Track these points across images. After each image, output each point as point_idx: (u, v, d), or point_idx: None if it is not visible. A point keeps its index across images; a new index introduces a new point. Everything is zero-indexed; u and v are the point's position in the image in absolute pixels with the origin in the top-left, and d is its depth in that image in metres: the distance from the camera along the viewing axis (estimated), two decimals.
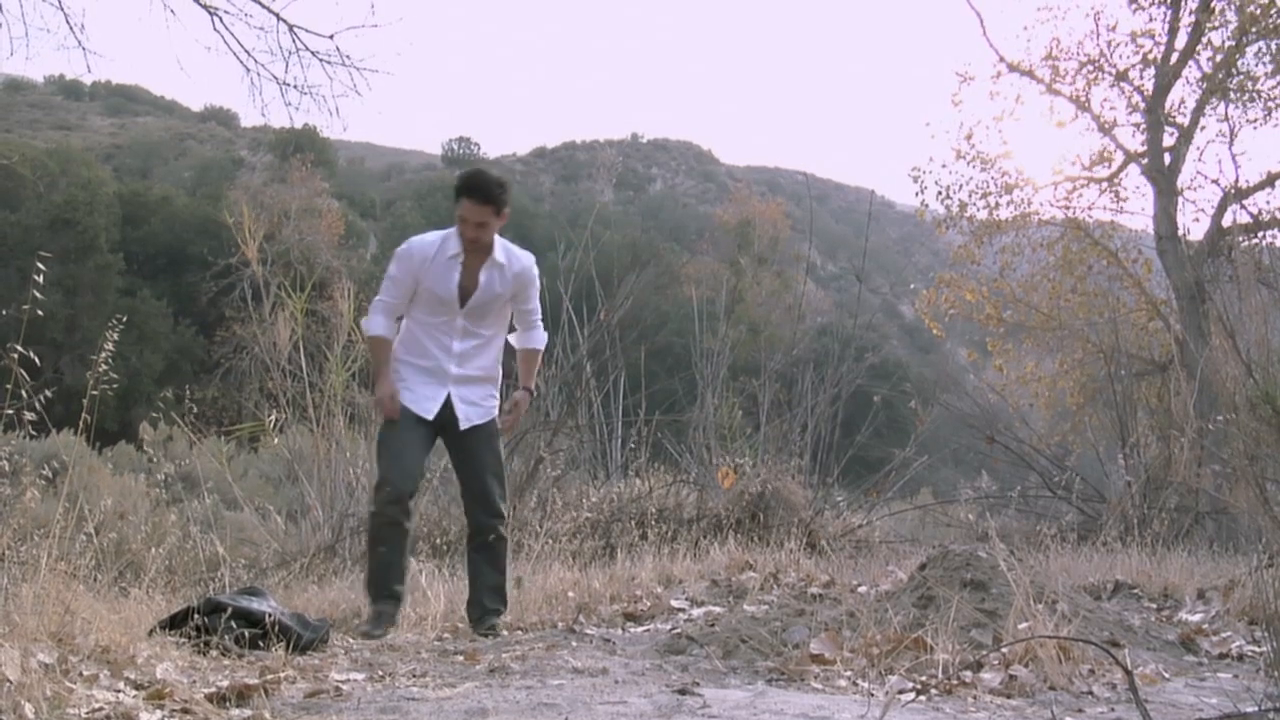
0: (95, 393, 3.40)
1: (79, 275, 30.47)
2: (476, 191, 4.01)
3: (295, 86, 9.01)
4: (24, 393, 3.33)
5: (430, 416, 4.11)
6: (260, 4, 8.67)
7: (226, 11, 8.68)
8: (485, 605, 4.16)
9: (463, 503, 4.31)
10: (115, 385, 3.57)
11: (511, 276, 4.19)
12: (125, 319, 4.01)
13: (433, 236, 4.17)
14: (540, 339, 4.45)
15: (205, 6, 8.63)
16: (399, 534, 4.09)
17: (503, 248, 4.17)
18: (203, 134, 67.47)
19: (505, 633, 4.09)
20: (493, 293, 4.17)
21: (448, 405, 4.14)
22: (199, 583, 5.03)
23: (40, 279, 3.38)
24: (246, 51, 8.88)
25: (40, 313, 3.22)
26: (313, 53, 8.92)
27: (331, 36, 8.91)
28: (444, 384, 4.15)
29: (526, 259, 4.27)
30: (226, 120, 69.87)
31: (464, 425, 4.15)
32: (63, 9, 8.34)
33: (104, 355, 3.45)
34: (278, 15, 8.74)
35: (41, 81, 69.05)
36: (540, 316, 4.41)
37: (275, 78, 8.96)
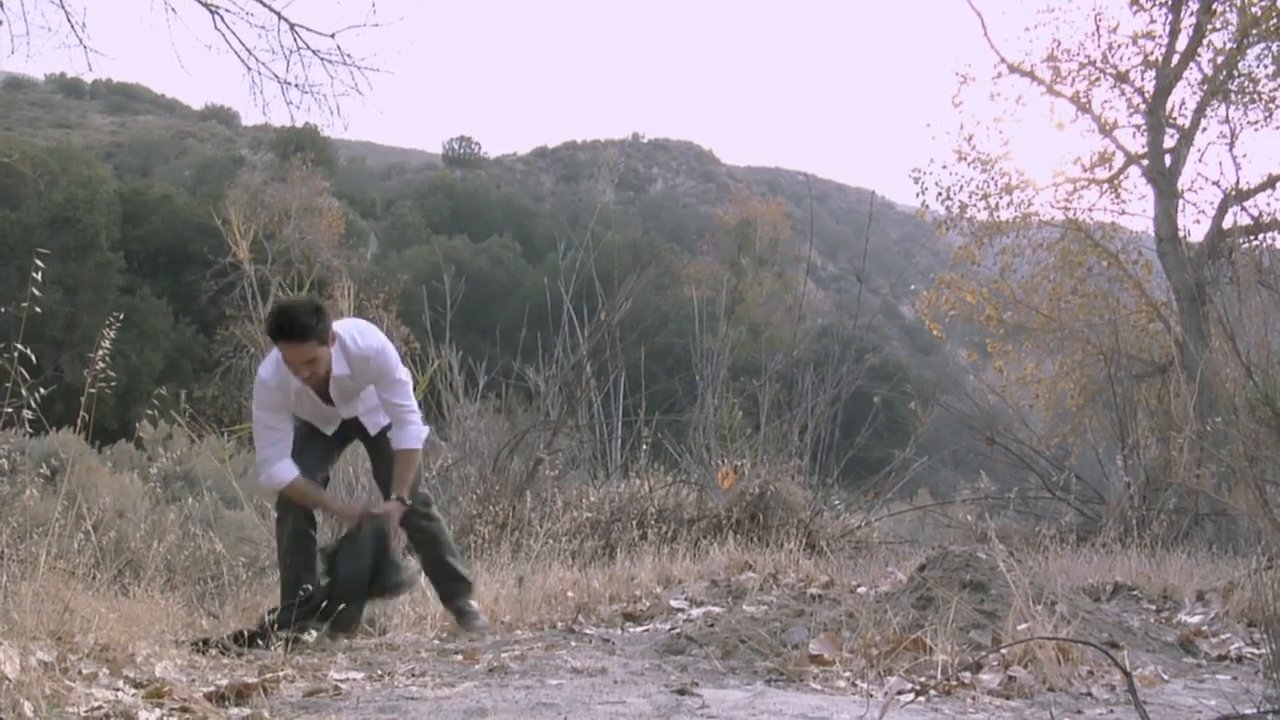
0: (93, 391, 3.39)
1: (79, 273, 30.48)
2: (292, 334, 3.66)
3: (296, 85, 9.04)
4: (22, 391, 3.32)
5: (330, 433, 4.09)
6: (261, 2, 8.69)
7: (228, 10, 8.70)
8: (444, 587, 4.19)
9: (383, 492, 4.16)
10: (114, 384, 3.56)
11: (360, 376, 3.90)
12: (123, 317, 3.99)
13: (272, 369, 3.81)
14: (412, 437, 3.97)
15: (206, 5, 8.64)
16: (309, 544, 4.02)
17: (339, 357, 3.81)
18: (203, 132, 67.47)
19: (481, 615, 4.14)
20: (353, 392, 3.97)
21: (349, 422, 4.09)
22: (198, 581, 5.03)
23: (39, 276, 3.37)
24: (248, 50, 8.90)
25: (39, 310, 3.22)
26: (314, 51, 8.94)
27: (333, 35, 8.93)
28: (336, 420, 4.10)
29: (366, 350, 3.84)
30: (227, 119, 69.89)
31: (374, 431, 4.09)
32: (64, 7, 8.35)
33: (101, 353, 3.44)
34: (279, 14, 8.76)
35: (42, 79, 69.16)
36: (413, 410, 3.98)
37: (276, 76, 8.98)
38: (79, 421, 3.36)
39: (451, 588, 4.19)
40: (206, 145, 62.99)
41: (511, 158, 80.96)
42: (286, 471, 3.81)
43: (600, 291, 8.17)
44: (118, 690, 2.49)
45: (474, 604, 4.20)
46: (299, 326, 3.63)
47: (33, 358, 3.29)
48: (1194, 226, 12.98)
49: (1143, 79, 13.38)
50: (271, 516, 6.77)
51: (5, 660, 2.26)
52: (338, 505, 4.10)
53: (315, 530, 4.07)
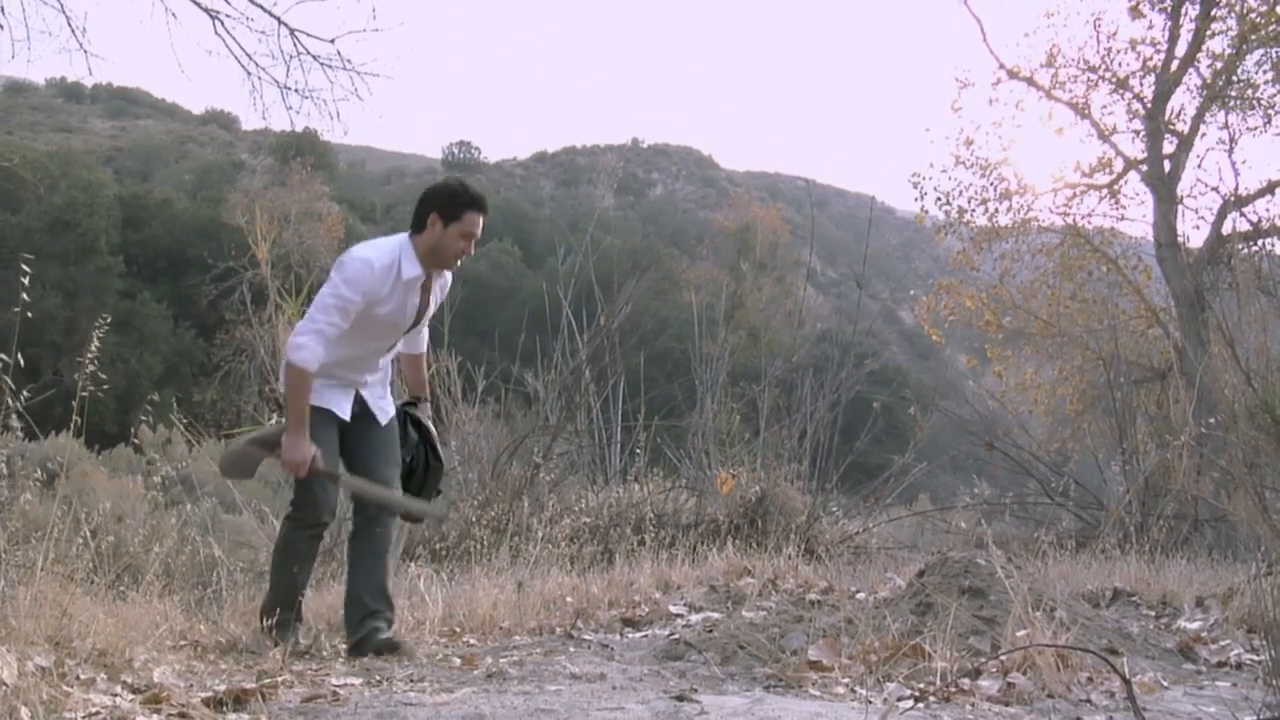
0: (85, 394, 3.37)
1: (79, 278, 30.51)
2: (483, 204, 3.65)
3: (296, 90, 9.07)
4: (9, 398, 3.31)
5: (347, 418, 3.75)
6: (262, 8, 8.71)
7: (228, 15, 8.74)
8: (368, 605, 3.67)
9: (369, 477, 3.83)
10: (106, 386, 3.53)
11: (447, 286, 3.90)
12: (112, 320, 3.96)
13: (386, 256, 3.59)
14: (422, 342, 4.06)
15: (207, 10, 8.67)
16: (314, 551, 3.87)
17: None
18: (203, 137, 67.56)
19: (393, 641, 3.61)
20: (436, 307, 3.89)
21: (359, 402, 3.80)
22: (196, 586, 5.03)
23: (26, 281, 3.35)
24: (248, 55, 8.94)
25: (30, 315, 3.20)
26: (314, 57, 8.97)
27: (333, 41, 8.97)
28: (352, 389, 3.80)
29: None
30: (227, 123, 69.97)
31: (384, 420, 3.83)
32: (64, 12, 8.39)
33: (91, 355, 3.41)
34: (279, 19, 8.79)
35: (43, 84, 69.22)
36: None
37: (276, 81, 9.01)
38: (72, 425, 3.33)
39: (375, 605, 3.69)
40: (207, 150, 63.06)
41: (511, 162, 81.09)
42: (317, 361, 3.51)
43: (599, 296, 8.17)
44: (115, 695, 2.49)
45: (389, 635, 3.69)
46: (485, 199, 3.64)
47: (21, 363, 3.26)
48: (1193, 232, 13.03)
49: (1142, 84, 13.41)
50: (270, 520, 6.78)
51: (3, 665, 2.26)
52: (306, 440, 3.54)
53: (319, 543, 3.91)
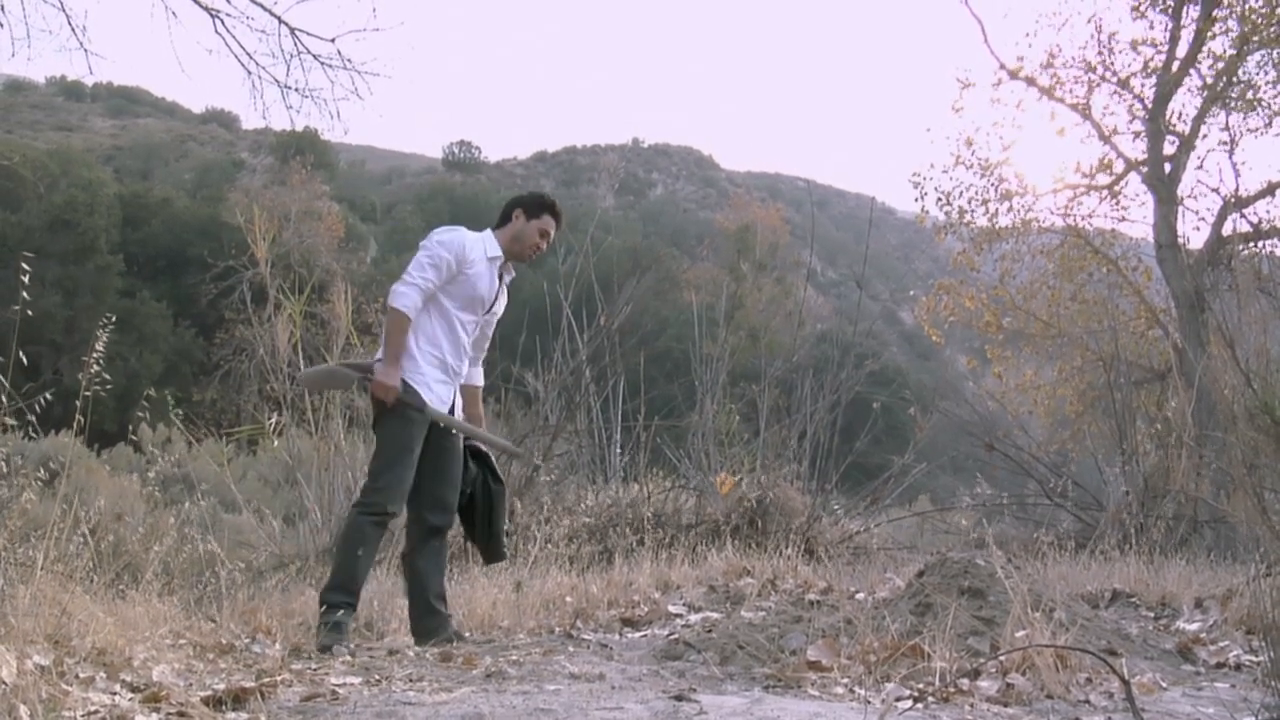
0: (88, 394, 3.37)
1: (79, 276, 30.49)
2: (561, 212, 4.29)
3: (296, 89, 9.08)
4: (4, 397, 3.30)
5: (445, 408, 4.11)
6: (262, 7, 8.72)
7: (228, 14, 8.74)
8: (440, 611, 4.04)
9: (419, 501, 4.08)
10: (109, 386, 3.53)
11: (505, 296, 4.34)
12: (115, 319, 3.97)
13: (474, 234, 4.17)
14: (480, 375, 4.48)
15: (207, 9, 8.67)
16: (379, 539, 4.04)
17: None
18: (204, 136, 67.56)
19: (467, 634, 4.05)
20: (503, 305, 4.31)
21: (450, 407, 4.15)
22: (196, 585, 5.03)
23: (26, 279, 3.34)
24: (248, 54, 8.94)
25: (30, 313, 3.19)
26: (314, 56, 8.98)
27: (333, 40, 8.98)
28: (453, 384, 4.15)
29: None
30: (227, 122, 69.97)
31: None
32: (65, 10, 8.39)
33: (96, 355, 3.42)
34: (279, 18, 8.79)
35: (43, 83, 69.21)
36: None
37: (277, 80, 9.02)
38: (74, 424, 3.33)
39: (447, 610, 4.12)
40: (207, 149, 63.06)
41: (511, 162, 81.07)
42: (416, 309, 3.97)
43: (600, 296, 8.17)
44: (115, 694, 2.49)
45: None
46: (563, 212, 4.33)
47: (24, 360, 3.26)
48: (1194, 233, 13.02)
49: (1143, 85, 13.41)
50: (269, 519, 6.78)
51: (2, 664, 2.26)
52: (398, 373, 3.95)
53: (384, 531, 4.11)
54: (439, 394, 4.05)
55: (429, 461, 4.03)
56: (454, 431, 4.11)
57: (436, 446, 4.05)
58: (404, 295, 3.95)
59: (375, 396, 3.95)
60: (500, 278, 4.21)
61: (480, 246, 4.11)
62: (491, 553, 4.27)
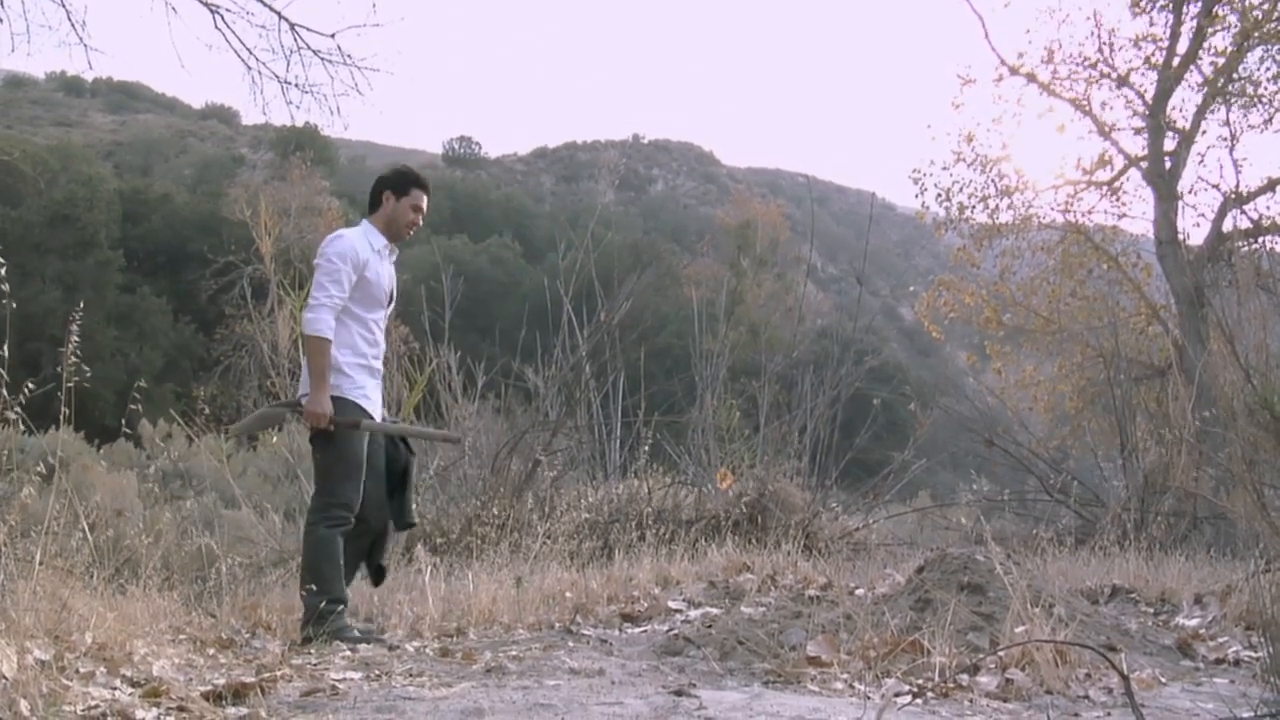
0: (70, 385, 3.37)
1: (79, 272, 30.44)
2: (427, 184, 4.30)
3: (296, 85, 9.06)
4: (4, 390, 3.30)
5: (378, 417, 4.17)
6: (262, 2, 8.71)
7: (228, 10, 8.72)
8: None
9: (376, 500, 4.12)
10: (91, 375, 3.51)
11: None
12: (83, 307, 3.96)
13: (352, 231, 4.19)
14: None
15: (207, 4, 8.65)
16: (343, 540, 4.03)
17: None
18: (204, 131, 67.45)
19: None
20: (395, 292, 4.34)
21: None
22: (196, 580, 5.03)
23: (3, 272, 3.32)
24: (248, 49, 8.92)
25: (21, 309, 3.16)
26: (314, 51, 8.96)
27: (333, 35, 8.96)
28: (380, 380, 4.22)
29: None
30: (227, 118, 69.84)
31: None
32: (64, 5, 8.37)
33: (72, 347, 3.40)
34: (279, 14, 8.77)
35: (43, 78, 69.12)
36: None
37: (276, 76, 9.00)
38: (61, 417, 3.33)
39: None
40: (207, 144, 62.98)
41: (512, 158, 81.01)
42: (331, 329, 3.96)
43: (600, 292, 8.16)
44: (115, 689, 2.49)
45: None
46: (428, 180, 4.32)
47: (5, 356, 3.25)
48: (1194, 230, 13.02)
49: (1143, 81, 13.39)
50: (269, 515, 6.78)
51: (2, 659, 2.26)
52: (327, 398, 3.92)
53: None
54: (375, 399, 4.15)
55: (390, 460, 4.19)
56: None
57: (370, 448, 4.12)
58: (317, 320, 3.95)
59: (312, 426, 3.95)
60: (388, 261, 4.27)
61: (365, 242, 4.12)
62: (402, 521, 4.28)
